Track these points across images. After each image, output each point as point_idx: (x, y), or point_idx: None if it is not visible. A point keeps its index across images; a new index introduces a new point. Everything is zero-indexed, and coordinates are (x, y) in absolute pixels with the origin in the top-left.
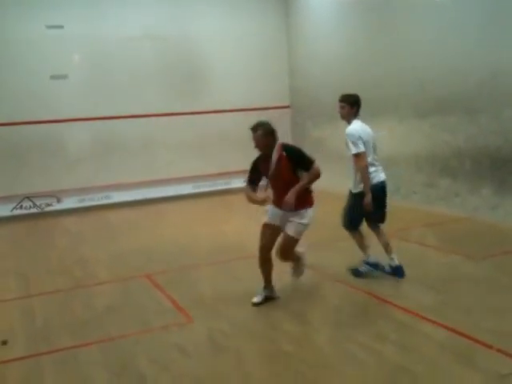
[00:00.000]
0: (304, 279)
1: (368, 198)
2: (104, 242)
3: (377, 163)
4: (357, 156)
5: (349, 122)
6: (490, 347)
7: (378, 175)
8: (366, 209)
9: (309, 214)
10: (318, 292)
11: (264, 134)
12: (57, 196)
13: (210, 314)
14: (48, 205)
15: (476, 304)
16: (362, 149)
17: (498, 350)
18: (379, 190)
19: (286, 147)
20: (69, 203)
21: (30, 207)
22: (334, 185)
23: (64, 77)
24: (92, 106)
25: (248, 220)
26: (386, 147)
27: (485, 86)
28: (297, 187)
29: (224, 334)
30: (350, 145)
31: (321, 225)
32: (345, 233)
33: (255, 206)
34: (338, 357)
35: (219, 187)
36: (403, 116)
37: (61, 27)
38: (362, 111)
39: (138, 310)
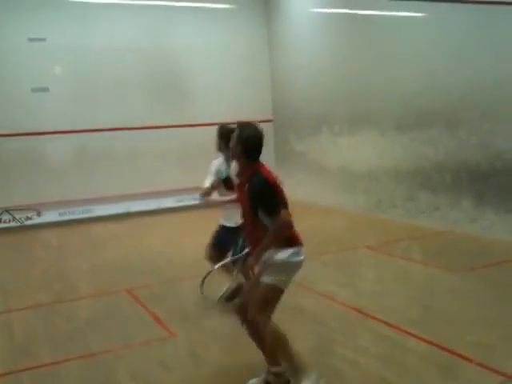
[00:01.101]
0: (288, 293)
1: None
2: (86, 255)
3: None
4: None
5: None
6: (471, 361)
7: None
8: None
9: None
10: (302, 306)
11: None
12: (37, 209)
13: (193, 327)
14: (28, 218)
15: (458, 317)
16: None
17: (479, 364)
18: None
19: (253, 178)
20: (50, 217)
21: (10, 221)
22: (315, 197)
23: (45, 89)
24: (74, 119)
25: None
26: (367, 160)
27: (465, 100)
28: (259, 249)
29: (206, 348)
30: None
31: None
32: (330, 247)
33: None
34: (321, 370)
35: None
36: (385, 129)
37: (43, 40)
38: (344, 124)
39: (119, 325)
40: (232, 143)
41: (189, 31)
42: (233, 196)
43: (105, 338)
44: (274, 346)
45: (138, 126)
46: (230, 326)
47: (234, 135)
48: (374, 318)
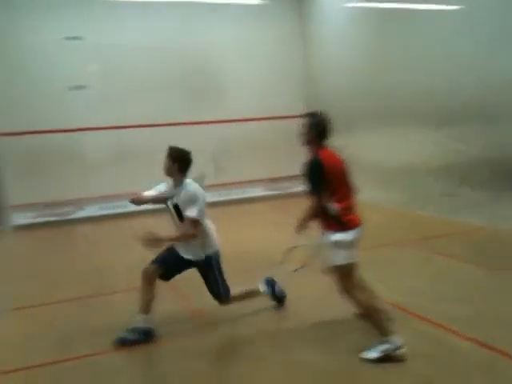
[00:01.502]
0: (323, 289)
1: None
2: (123, 249)
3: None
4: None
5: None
6: None
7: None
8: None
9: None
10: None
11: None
12: (77, 204)
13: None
14: (68, 212)
15: (500, 316)
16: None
17: None
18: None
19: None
20: (88, 211)
21: (51, 215)
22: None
23: (82, 87)
24: (110, 115)
25: (267, 228)
26: (402, 156)
27: (502, 95)
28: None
29: (249, 341)
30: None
31: None
32: (365, 243)
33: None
34: (367, 369)
35: (235, 196)
36: (420, 124)
37: (79, 38)
38: (378, 119)
39: (160, 318)
40: (303, 130)
41: (221, 28)
42: (161, 195)
43: None
44: (372, 317)
45: (172, 122)
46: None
47: (306, 122)
48: (413, 314)
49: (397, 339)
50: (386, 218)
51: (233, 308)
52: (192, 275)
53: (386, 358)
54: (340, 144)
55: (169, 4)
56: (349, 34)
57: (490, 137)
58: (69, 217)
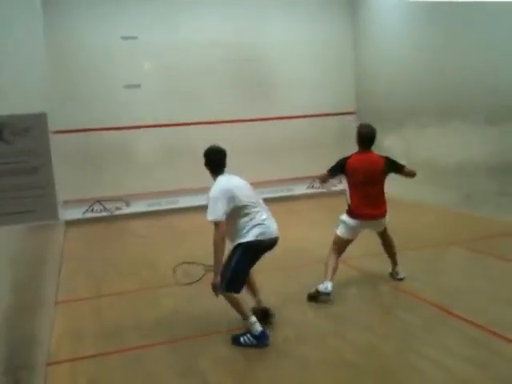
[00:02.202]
0: (367, 288)
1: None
2: (171, 245)
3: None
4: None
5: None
6: None
7: None
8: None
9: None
10: (382, 302)
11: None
12: (126, 200)
13: (273, 320)
14: (118, 208)
15: None
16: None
17: None
18: None
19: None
20: (137, 207)
21: (101, 210)
22: (403, 192)
23: (137, 86)
24: (162, 113)
25: (311, 227)
26: (455, 154)
27: None
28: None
29: (287, 339)
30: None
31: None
32: (416, 243)
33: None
34: (405, 370)
35: (282, 193)
36: (473, 122)
37: (135, 38)
38: (430, 117)
39: (203, 313)
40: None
41: (273, 25)
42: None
43: (188, 326)
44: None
45: (223, 119)
46: (309, 318)
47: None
48: (459, 317)
49: None
50: (437, 218)
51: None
52: None
53: None
54: (390, 142)
55: (222, 2)
56: (402, 29)
57: None
58: (118, 212)
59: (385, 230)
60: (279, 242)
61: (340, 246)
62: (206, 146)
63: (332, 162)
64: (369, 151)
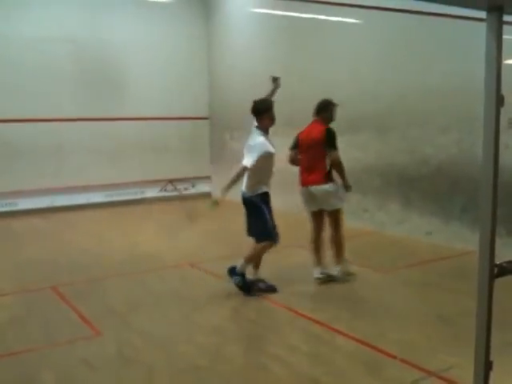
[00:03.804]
0: (218, 292)
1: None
2: (8, 251)
3: None
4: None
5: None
6: (395, 357)
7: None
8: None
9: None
10: (235, 305)
11: None
12: None
13: (120, 326)
14: None
15: (383, 315)
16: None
17: (402, 360)
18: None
19: None
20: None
21: None
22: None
23: None
24: None
25: (161, 230)
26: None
27: (393, 106)
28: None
29: (134, 347)
30: None
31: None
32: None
33: (167, 217)
34: (252, 370)
35: (132, 196)
36: None
37: None
38: (279, 127)
39: (43, 323)
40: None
41: (124, 23)
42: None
43: (28, 337)
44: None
45: (67, 117)
46: (158, 325)
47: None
48: (305, 316)
49: None
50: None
51: None
52: None
53: None
54: (240, 147)
55: None
56: (255, 38)
57: (382, 146)
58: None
59: (335, 218)
60: (127, 248)
61: (312, 222)
62: (47, 144)
63: (184, 165)
64: (316, 121)
